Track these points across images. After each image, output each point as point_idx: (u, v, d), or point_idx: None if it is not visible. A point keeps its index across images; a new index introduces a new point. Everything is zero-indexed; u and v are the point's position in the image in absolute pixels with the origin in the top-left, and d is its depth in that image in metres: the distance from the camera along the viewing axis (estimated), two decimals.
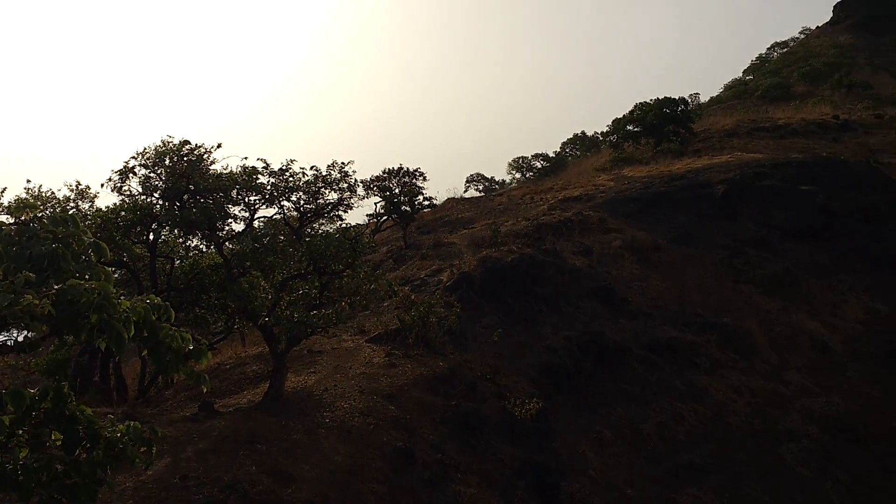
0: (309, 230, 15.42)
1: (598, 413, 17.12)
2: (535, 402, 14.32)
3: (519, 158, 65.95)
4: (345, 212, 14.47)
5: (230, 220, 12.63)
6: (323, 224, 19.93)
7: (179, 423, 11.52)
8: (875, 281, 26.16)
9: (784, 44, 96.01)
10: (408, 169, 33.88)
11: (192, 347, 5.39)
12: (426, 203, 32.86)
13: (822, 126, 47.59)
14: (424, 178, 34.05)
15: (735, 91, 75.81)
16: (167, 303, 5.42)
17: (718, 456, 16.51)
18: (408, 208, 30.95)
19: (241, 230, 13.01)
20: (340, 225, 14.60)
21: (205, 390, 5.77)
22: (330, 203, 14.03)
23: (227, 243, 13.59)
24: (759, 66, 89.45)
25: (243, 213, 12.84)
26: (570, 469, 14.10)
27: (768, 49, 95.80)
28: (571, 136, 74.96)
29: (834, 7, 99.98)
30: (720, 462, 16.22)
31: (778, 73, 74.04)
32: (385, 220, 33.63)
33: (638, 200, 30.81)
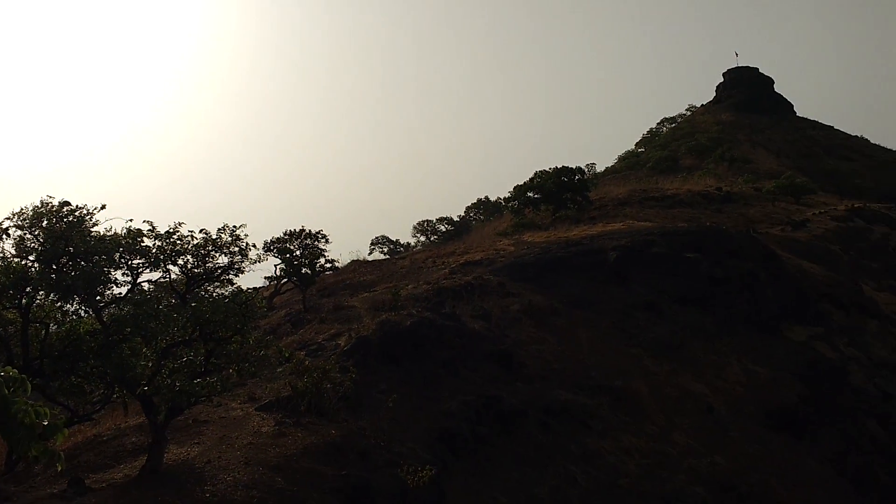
0: (202, 293, 14.99)
1: (493, 478, 17.12)
2: (428, 470, 14.19)
3: (424, 222, 66.91)
4: (235, 276, 14.21)
5: (111, 285, 12.15)
6: (217, 287, 19.46)
7: (45, 500, 10.76)
8: (755, 344, 27.73)
9: (672, 119, 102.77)
10: (310, 231, 33.60)
11: (46, 423, 5.13)
12: (328, 266, 32.60)
13: (706, 197, 50.82)
14: (327, 241, 33.81)
15: (628, 162, 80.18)
16: (24, 375, 5.17)
17: None
18: (308, 271, 30.60)
19: (122, 294, 12.53)
20: (231, 289, 14.27)
21: (59, 469, 5.47)
22: (220, 267, 13.76)
23: (110, 307, 13.02)
24: (650, 139, 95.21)
25: (126, 277, 12.39)
26: None
27: (658, 124, 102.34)
28: (475, 201, 76.82)
29: (717, 87, 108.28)
30: None
31: (667, 147, 78.95)
32: (285, 283, 33.08)
33: (536, 265, 31.63)
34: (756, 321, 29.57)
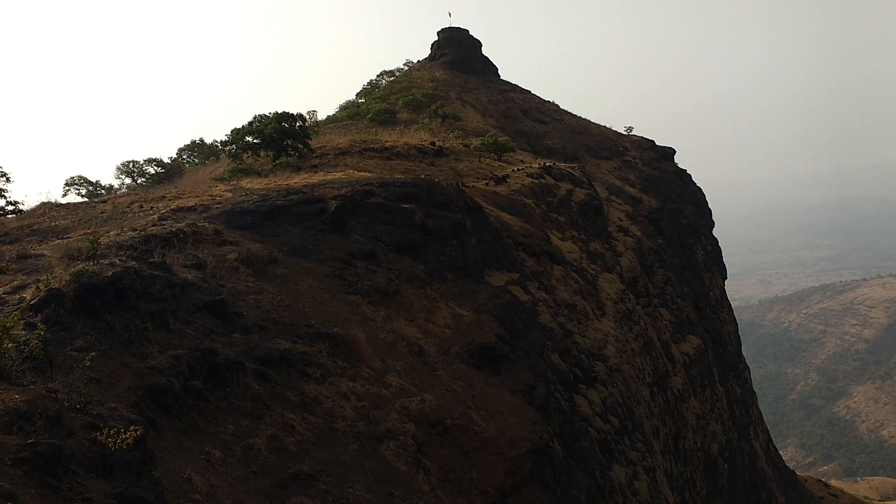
0: None
1: (207, 433, 16.52)
2: (132, 430, 13.16)
3: (129, 162, 61.10)
4: None
5: None
6: None
7: None
8: (461, 289, 30.05)
9: (391, 73, 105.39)
10: None
11: None
12: (9, 209, 28.44)
13: (421, 151, 53.25)
14: (8, 179, 29.45)
15: (349, 112, 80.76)
16: None
17: (326, 462, 17.18)
18: None
19: None
20: None
21: None
22: None
23: None
24: (370, 90, 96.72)
25: None
26: (173, 496, 13.30)
27: (378, 76, 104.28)
28: (189, 143, 72.02)
29: (432, 45, 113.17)
30: (327, 468, 16.89)
31: (386, 100, 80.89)
32: None
33: (255, 213, 30.68)
34: (462, 268, 32.02)
